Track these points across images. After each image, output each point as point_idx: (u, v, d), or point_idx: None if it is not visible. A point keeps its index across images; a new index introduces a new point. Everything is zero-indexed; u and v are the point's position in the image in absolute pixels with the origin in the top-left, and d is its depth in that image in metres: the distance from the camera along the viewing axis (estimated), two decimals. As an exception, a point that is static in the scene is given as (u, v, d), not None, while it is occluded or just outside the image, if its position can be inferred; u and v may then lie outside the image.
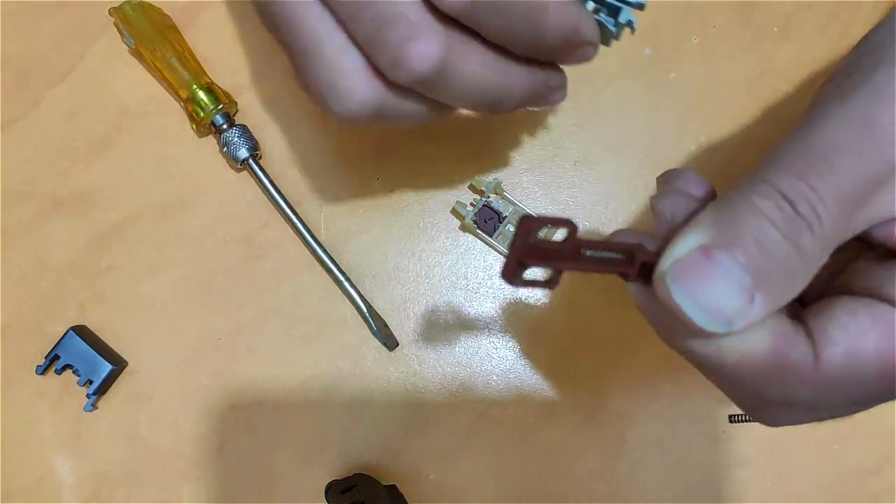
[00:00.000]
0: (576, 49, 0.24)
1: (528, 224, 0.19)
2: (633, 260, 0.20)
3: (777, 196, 0.20)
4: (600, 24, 0.25)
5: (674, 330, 0.21)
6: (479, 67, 0.22)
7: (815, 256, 0.20)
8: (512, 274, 0.20)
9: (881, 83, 0.20)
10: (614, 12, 0.26)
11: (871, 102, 0.20)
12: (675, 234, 0.21)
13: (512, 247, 0.20)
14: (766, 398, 0.22)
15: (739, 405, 0.24)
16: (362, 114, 0.22)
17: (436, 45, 0.21)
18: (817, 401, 0.21)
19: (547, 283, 0.20)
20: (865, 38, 0.24)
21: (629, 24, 0.26)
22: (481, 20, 0.21)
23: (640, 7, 0.25)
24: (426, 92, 0.23)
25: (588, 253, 0.20)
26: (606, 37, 0.26)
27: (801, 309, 0.23)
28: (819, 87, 0.24)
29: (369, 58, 0.22)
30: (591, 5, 0.25)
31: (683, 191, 0.24)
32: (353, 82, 0.22)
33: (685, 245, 0.20)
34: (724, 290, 0.19)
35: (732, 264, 0.19)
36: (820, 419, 0.23)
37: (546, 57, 0.24)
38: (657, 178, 0.26)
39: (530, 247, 0.19)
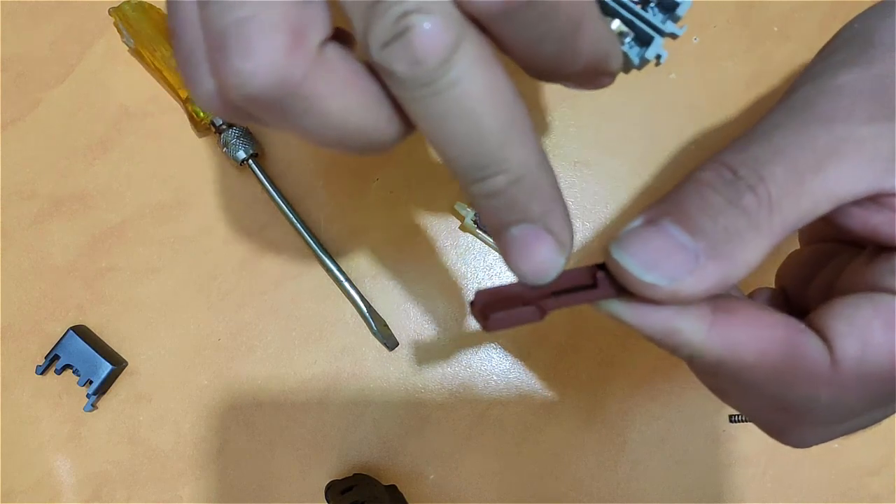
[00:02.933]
0: (594, 78, 0.20)
1: (473, 303, 0.20)
2: (594, 272, 0.21)
3: (719, 166, 0.20)
4: (623, 53, 0.22)
5: (672, 336, 0.21)
6: (346, 103, 0.17)
7: (764, 219, 0.20)
8: (487, 322, 0.20)
9: (827, 77, 0.21)
10: (644, 41, 0.22)
11: (815, 93, 0.21)
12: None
13: (476, 316, 0.20)
14: (787, 405, 0.22)
15: (764, 426, 0.24)
16: (220, 116, 0.19)
17: (276, 64, 0.16)
18: (839, 404, 0.21)
19: (522, 317, 0.20)
20: (821, 50, 0.24)
21: (657, 57, 0.22)
22: (509, 30, 0.17)
23: (674, 37, 0.22)
24: (269, 119, 0.18)
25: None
26: (626, 66, 0.23)
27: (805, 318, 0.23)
28: None
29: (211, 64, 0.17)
30: (615, 25, 0.22)
31: None
32: (201, 86, 0.18)
33: (635, 222, 0.20)
34: (665, 248, 0.19)
35: (673, 227, 0.19)
36: (846, 431, 0.23)
37: (553, 79, 0.20)
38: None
39: (493, 302, 0.20)
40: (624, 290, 0.20)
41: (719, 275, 0.20)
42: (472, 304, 0.21)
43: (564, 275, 0.20)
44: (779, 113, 0.21)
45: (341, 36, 0.18)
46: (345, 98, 0.17)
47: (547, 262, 0.19)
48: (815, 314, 0.22)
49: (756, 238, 0.20)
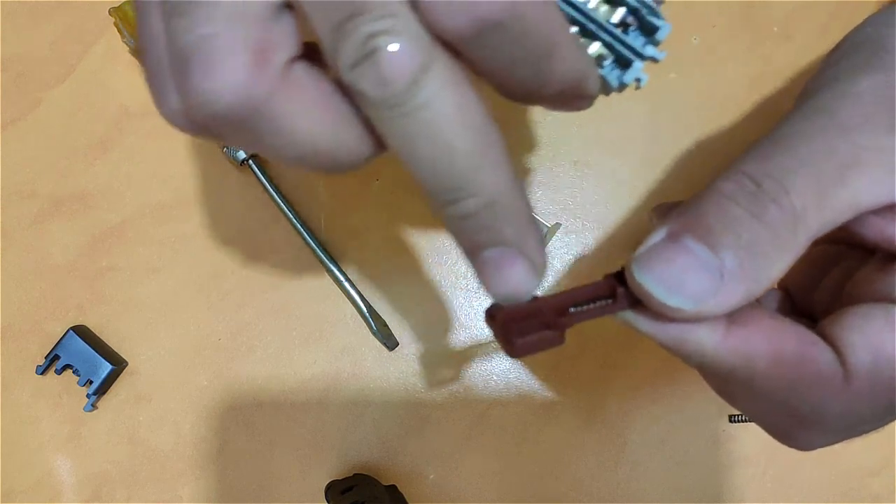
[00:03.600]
0: (570, 100, 0.20)
1: (490, 312, 0.20)
2: (612, 285, 0.20)
3: (741, 177, 0.20)
4: (600, 77, 0.21)
5: (685, 345, 0.21)
6: (314, 122, 0.17)
7: (789, 233, 0.19)
8: (513, 349, 0.19)
9: (845, 84, 0.21)
10: (624, 64, 0.22)
11: (834, 98, 0.21)
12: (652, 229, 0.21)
13: (496, 335, 0.20)
14: (798, 414, 0.21)
15: (770, 429, 0.24)
16: (186, 132, 0.19)
17: (239, 83, 0.16)
18: (849, 413, 0.21)
19: (548, 342, 0.20)
20: (830, 52, 0.24)
21: (637, 81, 0.22)
22: (480, 53, 0.17)
23: (655, 61, 0.22)
24: (234, 138, 0.18)
25: (572, 294, 0.20)
26: (605, 89, 0.22)
27: (815, 325, 0.23)
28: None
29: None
30: (595, 48, 0.21)
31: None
32: (166, 103, 0.18)
33: (655, 236, 0.20)
34: (689, 269, 0.19)
35: (696, 244, 0.19)
36: (852, 436, 0.23)
37: (529, 101, 0.20)
38: (652, 210, 0.26)
39: (512, 319, 0.20)
40: (640, 301, 0.20)
41: (743, 293, 0.19)
42: (491, 319, 0.20)
43: (581, 287, 0.20)
44: (798, 119, 0.21)
45: (314, 53, 0.18)
46: (312, 117, 0.17)
47: (520, 284, 0.18)
48: (827, 323, 0.21)
49: (781, 253, 0.20)
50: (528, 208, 0.19)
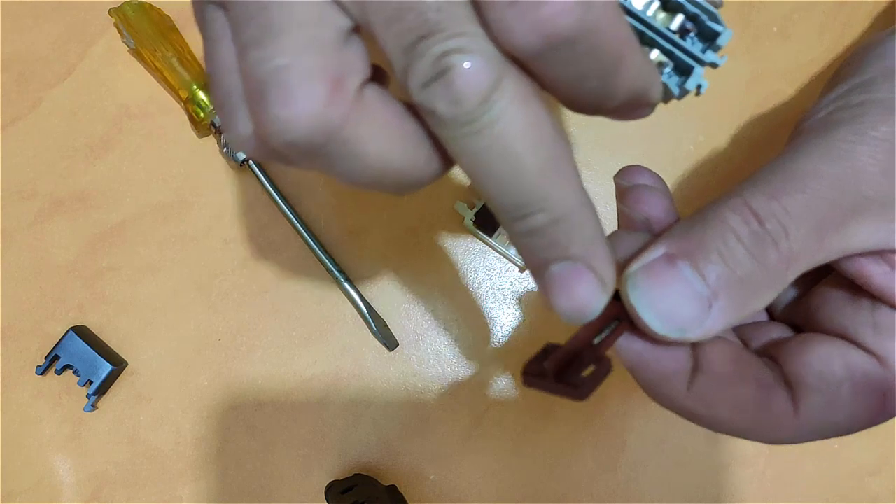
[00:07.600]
0: (634, 109, 0.19)
1: (531, 373, 0.20)
2: (619, 307, 0.21)
3: (747, 211, 0.20)
4: (662, 83, 0.21)
5: (662, 383, 0.22)
6: (385, 145, 0.17)
7: (780, 273, 0.20)
8: (581, 392, 0.19)
9: (868, 125, 0.21)
10: (684, 70, 0.21)
11: (854, 139, 0.21)
12: (649, 243, 0.21)
13: (552, 388, 0.20)
14: (750, 438, 0.23)
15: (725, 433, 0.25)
16: (256, 158, 0.19)
17: (316, 111, 0.16)
18: (795, 440, 0.22)
19: (603, 373, 0.20)
20: (853, 71, 0.24)
21: (698, 87, 0.21)
22: (549, 67, 0.17)
23: (715, 66, 0.21)
24: (306, 163, 0.18)
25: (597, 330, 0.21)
26: (666, 96, 0.22)
27: (776, 342, 0.24)
28: (799, 118, 0.24)
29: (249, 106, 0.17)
30: (654, 56, 0.21)
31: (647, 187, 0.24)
32: (238, 129, 0.18)
33: (653, 253, 0.20)
34: (681, 297, 0.20)
35: (692, 274, 0.20)
36: None
37: (594, 113, 0.19)
38: (614, 178, 0.26)
39: (564, 365, 0.20)
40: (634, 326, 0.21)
41: (725, 324, 0.20)
42: (535, 378, 0.20)
43: (597, 319, 0.21)
44: (814, 154, 0.21)
45: (376, 72, 0.18)
46: (384, 140, 0.17)
47: (588, 299, 0.18)
48: (786, 353, 0.22)
49: (769, 291, 0.20)
50: (598, 223, 0.18)
